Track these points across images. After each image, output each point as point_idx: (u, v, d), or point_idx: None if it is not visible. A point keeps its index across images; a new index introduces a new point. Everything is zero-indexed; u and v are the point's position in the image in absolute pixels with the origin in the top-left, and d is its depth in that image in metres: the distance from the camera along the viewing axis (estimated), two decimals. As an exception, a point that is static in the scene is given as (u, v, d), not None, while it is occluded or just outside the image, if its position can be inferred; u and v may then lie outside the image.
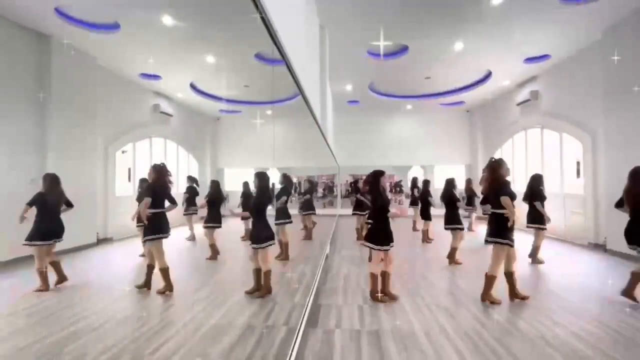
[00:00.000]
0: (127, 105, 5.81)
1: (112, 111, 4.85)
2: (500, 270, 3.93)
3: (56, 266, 3.20)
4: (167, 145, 7.14)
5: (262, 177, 3.96)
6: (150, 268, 3.72)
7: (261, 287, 3.86)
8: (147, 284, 3.70)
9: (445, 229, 5.92)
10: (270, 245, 3.87)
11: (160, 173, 3.71)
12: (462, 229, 5.82)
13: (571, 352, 2.83)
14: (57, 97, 3.16)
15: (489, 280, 3.91)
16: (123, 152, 4.70)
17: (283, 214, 5.53)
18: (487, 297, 3.92)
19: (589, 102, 7.32)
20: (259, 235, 3.83)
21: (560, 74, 8.30)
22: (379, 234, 4.01)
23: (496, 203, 3.90)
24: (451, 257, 5.74)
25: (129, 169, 4.91)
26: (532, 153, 9.57)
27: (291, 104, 4.46)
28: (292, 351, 2.62)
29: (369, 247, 4.08)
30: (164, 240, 3.73)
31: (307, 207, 6.96)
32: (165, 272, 3.66)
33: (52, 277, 3.12)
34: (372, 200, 4.24)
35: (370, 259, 5.91)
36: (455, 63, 8.40)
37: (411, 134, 13.82)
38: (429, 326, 3.32)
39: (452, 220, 5.86)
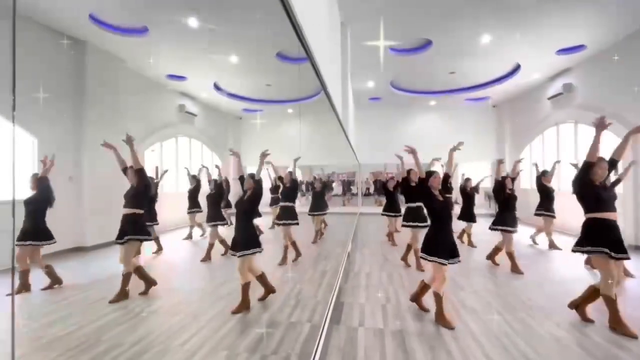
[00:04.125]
0: (154, 105, 6.01)
1: (141, 112, 5.03)
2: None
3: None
4: (192, 144, 7.34)
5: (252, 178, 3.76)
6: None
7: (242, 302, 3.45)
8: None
9: (494, 229, 5.25)
10: (253, 253, 3.48)
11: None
12: (514, 232, 5.13)
13: None
14: (91, 99, 3.31)
15: (594, 296, 3.30)
16: (152, 151, 4.87)
17: (290, 214, 5.19)
18: (582, 314, 3.40)
19: (629, 95, 6.84)
20: (239, 241, 3.47)
21: (597, 65, 7.82)
22: (443, 244, 3.30)
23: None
24: (513, 265, 5.08)
25: (157, 168, 5.08)
26: (565, 149, 9.09)
27: (313, 101, 4.46)
28: (317, 347, 2.62)
29: (434, 261, 3.27)
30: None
31: (315, 207, 6.72)
32: (136, 273, 3.45)
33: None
34: (430, 203, 3.46)
35: (404, 260, 5.43)
36: (482, 57, 8.10)
37: (435, 131, 13.46)
38: (457, 328, 3.23)
39: (504, 222, 5.15)
